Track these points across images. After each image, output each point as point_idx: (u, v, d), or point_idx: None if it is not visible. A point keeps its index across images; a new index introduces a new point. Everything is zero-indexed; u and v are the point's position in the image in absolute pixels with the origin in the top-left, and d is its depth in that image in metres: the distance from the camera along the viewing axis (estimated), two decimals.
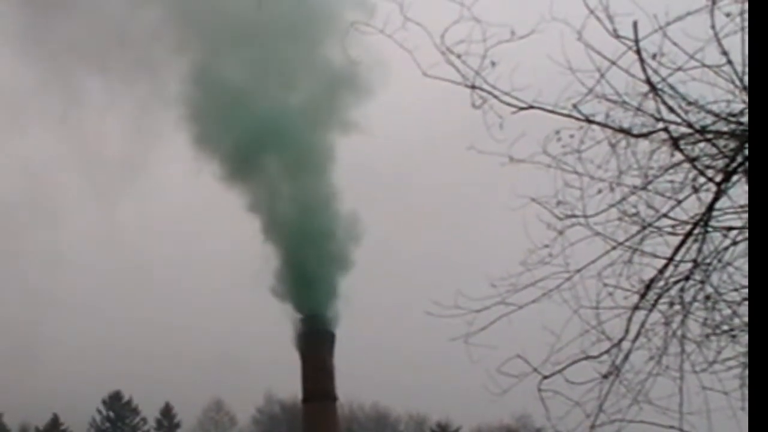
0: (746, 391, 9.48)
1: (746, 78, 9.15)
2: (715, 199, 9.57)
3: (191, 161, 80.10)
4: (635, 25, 9.33)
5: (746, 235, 9.60)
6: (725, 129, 9.43)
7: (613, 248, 9.96)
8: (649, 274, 9.92)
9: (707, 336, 9.80)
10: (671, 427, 9.80)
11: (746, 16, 8.97)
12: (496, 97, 9.80)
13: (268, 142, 75.82)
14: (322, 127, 77.25)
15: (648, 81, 9.48)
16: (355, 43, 11.11)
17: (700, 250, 9.73)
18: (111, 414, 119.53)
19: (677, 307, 9.87)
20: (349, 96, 74.76)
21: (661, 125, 9.61)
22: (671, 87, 9.49)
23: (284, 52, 70.42)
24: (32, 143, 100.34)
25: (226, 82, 75.48)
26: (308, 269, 75.97)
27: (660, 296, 9.90)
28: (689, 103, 9.52)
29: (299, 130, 75.62)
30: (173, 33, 77.51)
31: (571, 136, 9.83)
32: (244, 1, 66.78)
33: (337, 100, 75.77)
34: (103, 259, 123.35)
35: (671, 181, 9.78)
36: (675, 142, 9.60)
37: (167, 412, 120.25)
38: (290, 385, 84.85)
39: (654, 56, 9.41)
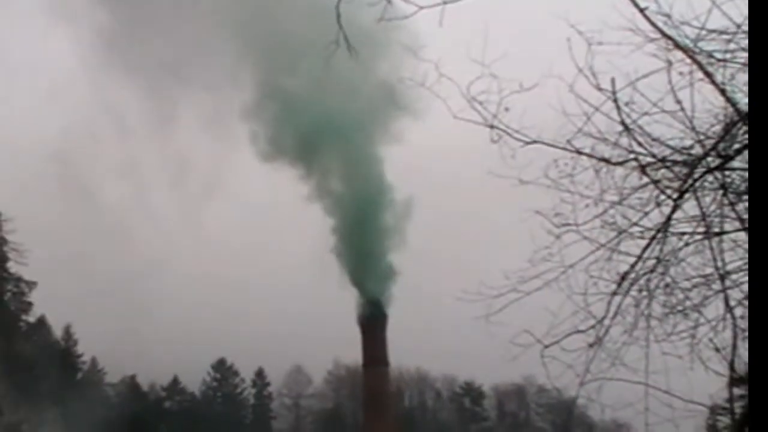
0: (695, 356, 9.56)
1: (695, 120, 9.26)
2: (672, 211, 9.60)
3: (265, 163, 77.06)
4: (613, 81, 9.42)
5: (696, 238, 9.68)
6: (679, 159, 9.47)
7: (597, 249, 9.94)
8: (624, 268, 9.90)
9: (666, 314, 9.79)
10: (640, 382, 9.80)
11: (695, 74, 9.07)
12: (509, 134, 9.84)
13: (328, 141, 72.49)
14: (373, 134, 73.94)
15: (622, 122, 9.54)
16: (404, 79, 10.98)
17: (661, 250, 9.73)
18: (217, 375, 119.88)
19: (644, 293, 9.85)
20: (397, 112, 71.12)
21: (632, 156, 9.64)
22: (640, 127, 9.54)
23: (339, 67, 64.61)
24: (133, 148, 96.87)
25: (289, 92, 72.56)
26: (367, 254, 74.26)
27: (632, 285, 9.87)
28: (653, 139, 9.56)
29: (353, 132, 72.40)
30: (243, 50, 74.02)
31: (566, 164, 9.87)
32: (299, 22, 63.10)
33: (387, 113, 71.90)
34: (200, 255, 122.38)
35: (640, 198, 9.79)
36: (643, 169, 9.64)
37: (260, 374, 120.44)
38: (353, 354, 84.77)
39: (627, 104, 9.47)
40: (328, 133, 71.34)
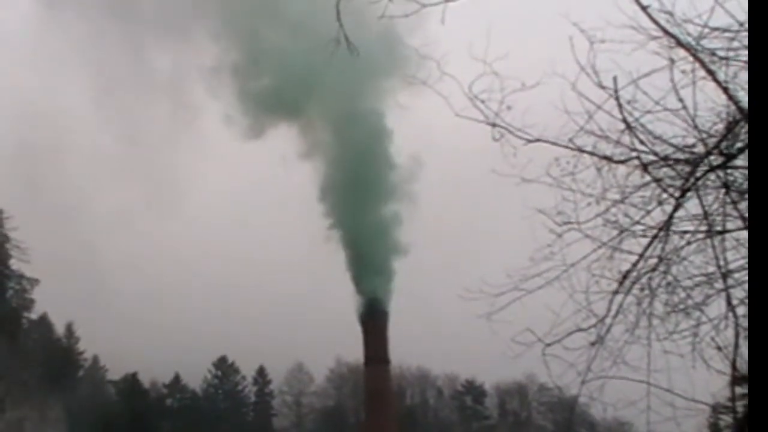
0: (697, 355, 9.55)
1: (697, 119, 9.24)
2: (675, 210, 9.59)
3: (251, 139, 74.26)
4: (615, 79, 9.40)
5: (698, 236, 9.66)
6: (682, 157, 9.45)
7: (599, 247, 9.92)
8: (626, 266, 9.88)
9: (668, 313, 9.77)
10: (642, 381, 9.79)
11: (697, 73, 9.06)
12: (511, 132, 9.82)
13: (316, 95, 70.12)
14: (369, 90, 70.64)
15: (624, 121, 9.53)
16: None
17: (663, 249, 9.71)
18: (219, 373, 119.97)
19: (646, 291, 9.83)
20: (389, 77, 68.07)
21: (634, 154, 9.63)
22: (642, 125, 9.53)
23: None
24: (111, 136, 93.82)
25: (275, 44, 68.79)
26: (369, 250, 72.72)
27: (633, 284, 9.85)
28: (655, 138, 9.54)
29: (348, 89, 68.96)
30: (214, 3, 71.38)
31: (567, 162, 9.85)
32: None
33: (384, 70, 67.54)
34: (200, 252, 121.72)
35: (642, 197, 9.77)
36: (645, 167, 9.62)
37: (261, 372, 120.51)
38: (355, 352, 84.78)
39: (629, 102, 9.46)
40: (320, 91, 68.42)
